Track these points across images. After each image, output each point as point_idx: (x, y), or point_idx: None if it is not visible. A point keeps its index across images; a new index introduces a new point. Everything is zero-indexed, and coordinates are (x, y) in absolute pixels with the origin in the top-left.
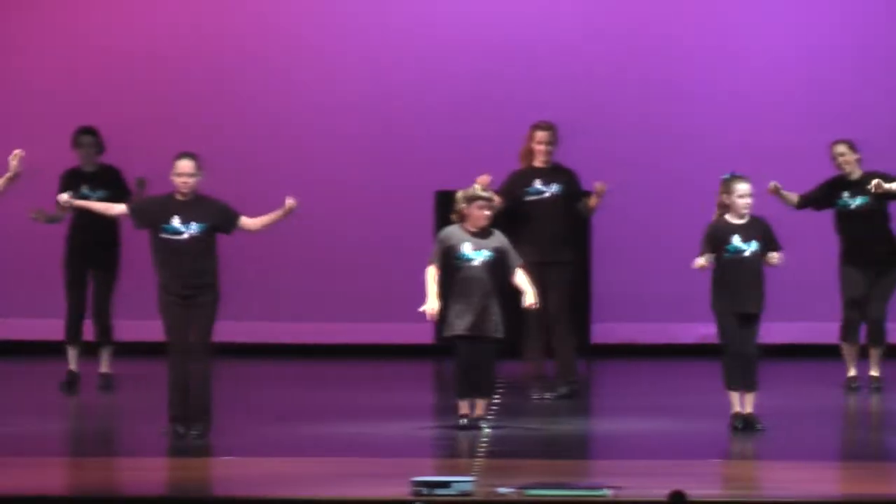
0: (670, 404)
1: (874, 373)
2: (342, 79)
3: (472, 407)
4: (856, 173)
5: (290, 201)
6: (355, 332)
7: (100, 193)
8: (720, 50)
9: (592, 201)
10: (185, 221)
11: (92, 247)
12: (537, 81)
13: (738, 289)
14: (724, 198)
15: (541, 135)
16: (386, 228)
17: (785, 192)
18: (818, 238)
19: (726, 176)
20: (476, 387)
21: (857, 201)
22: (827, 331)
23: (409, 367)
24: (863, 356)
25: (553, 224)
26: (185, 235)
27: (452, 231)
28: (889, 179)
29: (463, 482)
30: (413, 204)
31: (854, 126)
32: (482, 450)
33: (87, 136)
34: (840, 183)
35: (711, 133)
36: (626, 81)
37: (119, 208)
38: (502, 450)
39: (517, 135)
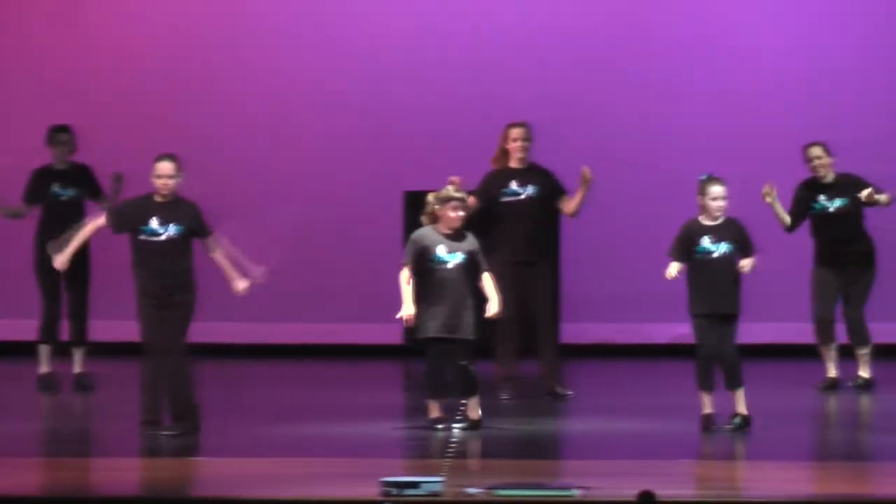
0: (643, 404)
1: (863, 374)
2: (311, 79)
3: (442, 408)
4: (829, 176)
5: (243, 286)
6: (324, 332)
7: (70, 192)
8: (697, 48)
9: (578, 196)
10: (164, 223)
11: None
12: (508, 81)
13: (709, 290)
14: (699, 199)
15: (516, 132)
16: (355, 229)
17: (780, 208)
18: (793, 238)
19: (703, 177)
20: (463, 388)
21: (835, 204)
22: (806, 331)
23: (379, 367)
24: (847, 356)
25: (528, 225)
26: (163, 237)
27: (426, 233)
28: (862, 184)
29: (432, 482)
30: (382, 204)
31: (842, 126)
32: (452, 450)
33: (63, 133)
34: (813, 186)
35: (684, 132)
36: (596, 79)
37: (98, 222)
38: (472, 450)
39: (487, 135)
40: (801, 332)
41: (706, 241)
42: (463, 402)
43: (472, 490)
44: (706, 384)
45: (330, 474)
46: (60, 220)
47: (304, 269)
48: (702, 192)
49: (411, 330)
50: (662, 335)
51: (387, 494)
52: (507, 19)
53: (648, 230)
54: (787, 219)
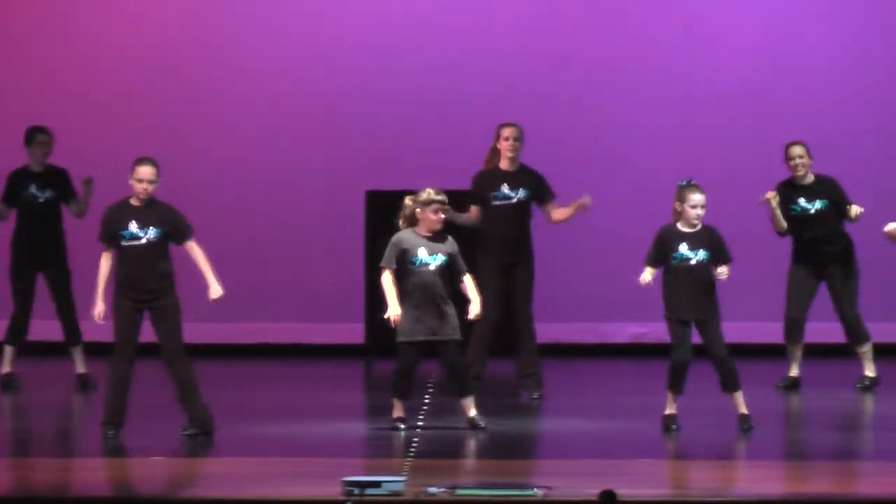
0: (603, 404)
1: (869, 372)
2: (273, 79)
3: (405, 408)
4: (809, 177)
5: (217, 294)
6: (286, 332)
7: (48, 194)
8: (668, 49)
9: (568, 212)
10: (143, 226)
11: (39, 248)
12: (471, 82)
13: (684, 296)
14: (677, 205)
15: (508, 131)
16: (318, 228)
17: (779, 214)
18: (765, 239)
19: (682, 182)
20: (459, 388)
21: (816, 205)
22: (771, 330)
23: (341, 367)
24: (816, 356)
25: (518, 228)
26: (143, 240)
27: (406, 236)
28: (839, 189)
29: (393, 482)
30: (344, 204)
31: (820, 128)
32: (413, 450)
33: (42, 134)
34: (792, 187)
35: (643, 134)
36: (565, 80)
37: (106, 262)
38: (434, 450)
39: (450, 136)
40: (760, 331)
41: (684, 248)
42: (466, 399)
43: (433, 489)
44: (675, 387)
45: (291, 474)
46: (36, 222)
47: (266, 268)
48: (680, 197)
49: (376, 329)
50: (621, 335)
51: (349, 494)
52: (467, 20)
53: (605, 231)
54: (784, 224)
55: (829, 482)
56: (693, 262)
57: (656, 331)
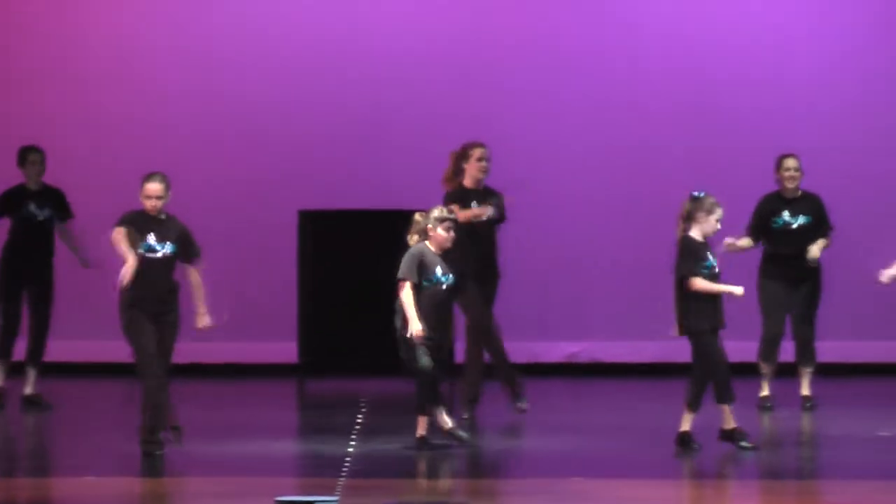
0: (536, 423)
1: (806, 392)
2: (205, 96)
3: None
4: (797, 192)
5: (205, 322)
6: (219, 351)
7: (46, 212)
8: (619, 60)
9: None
10: (161, 240)
11: (28, 265)
12: (403, 103)
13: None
14: (701, 215)
15: (479, 152)
16: (250, 247)
17: (738, 244)
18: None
19: (701, 194)
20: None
21: (799, 220)
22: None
23: (273, 386)
24: (786, 374)
25: (486, 247)
26: (160, 254)
27: (425, 250)
28: (822, 209)
29: (326, 501)
30: (277, 223)
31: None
32: (347, 469)
33: (36, 153)
34: (778, 200)
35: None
36: (507, 98)
37: (120, 230)
38: (367, 469)
39: (381, 156)
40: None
41: (710, 256)
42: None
43: None
44: (691, 404)
45: (225, 493)
46: (31, 241)
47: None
48: (708, 209)
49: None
50: (554, 354)
51: None
52: (396, 41)
53: (537, 251)
54: (749, 242)
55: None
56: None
57: (589, 350)
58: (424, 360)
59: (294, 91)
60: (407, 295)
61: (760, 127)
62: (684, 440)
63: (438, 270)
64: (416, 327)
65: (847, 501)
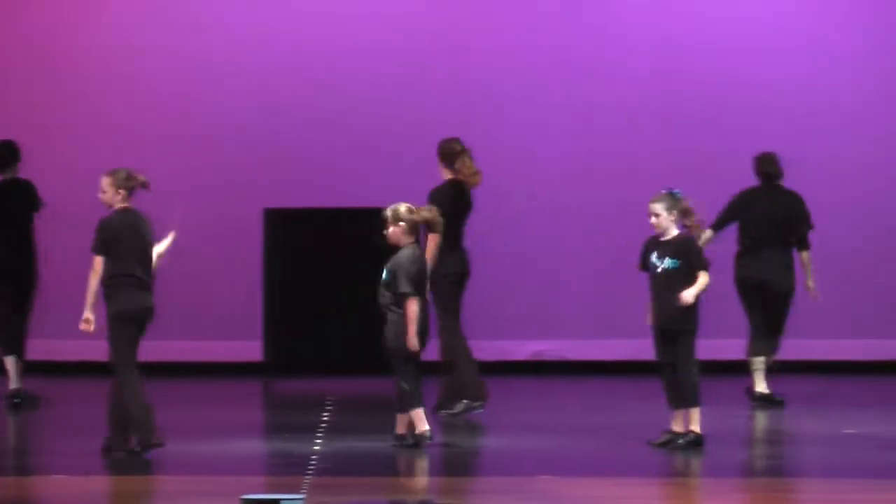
0: (503, 422)
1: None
2: (170, 94)
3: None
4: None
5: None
6: (184, 350)
7: (14, 206)
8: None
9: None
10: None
11: (10, 263)
12: (370, 101)
13: (654, 304)
14: (673, 214)
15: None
16: (216, 246)
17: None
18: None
19: (674, 191)
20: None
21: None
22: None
23: (239, 385)
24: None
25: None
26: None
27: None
28: (804, 217)
29: (292, 499)
30: (242, 221)
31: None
32: (313, 467)
33: (5, 148)
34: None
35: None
36: (475, 99)
37: (97, 269)
38: (333, 467)
39: (348, 154)
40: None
41: (654, 256)
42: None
43: None
44: (668, 401)
45: (190, 492)
46: (9, 238)
47: (163, 286)
48: (677, 208)
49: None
50: (521, 352)
51: None
52: (361, 40)
53: (509, 247)
54: (708, 233)
55: (727, 500)
56: (659, 269)
57: (556, 348)
58: (410, 373)
59: (260, 89)
60: (415, 310)
61: (734, 128)
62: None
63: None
64: (414, 344)
65: (817, 499)
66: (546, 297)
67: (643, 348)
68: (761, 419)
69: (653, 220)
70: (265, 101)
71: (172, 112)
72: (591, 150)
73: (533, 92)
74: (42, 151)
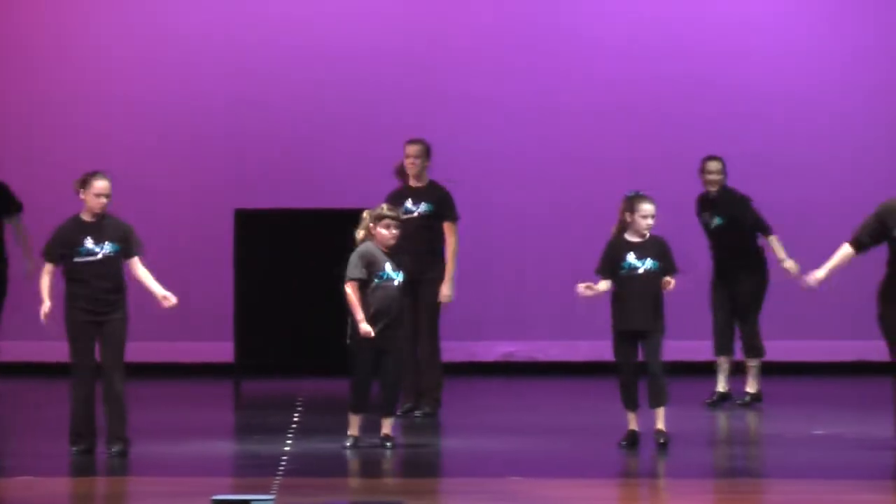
0: (472, 422)
1: (752, 388)
2: (141, 93)
3: (361, 426)
4: (718, 193)
5: (169, 302)
6: (154, 350)
7: None
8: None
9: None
10: (98, 241)
11: None
12: (340, 101)
13: (630, 306)
14: (627, 215)
15: (410, 149)
16: (186, 246)
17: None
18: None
19: (630, 193)
20: (386, 405)
21: (715, 221)
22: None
23: (210, 385)
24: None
25: (418, 243)
26: (100, 255)
27: (372, 248)
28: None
29: (262, 500)
30: (213, 222)
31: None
32: (283, 468)
33: None
34: (703, 201)
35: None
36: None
37: (49, 269)
38: (303, 468)
39: (319, 154)
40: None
41: (631, 258)
42: (385, 419)
43: None
44: (630, 403)
45: (160, 493)
46: None
47: (133, 286)
48: (630, 208)
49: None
50: (490, 353)
51: None
52: (335, 38)
53: (474, 250)
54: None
55: (696, 501)
56: (640, 270)
57: (525, 349)
58: (362, 361)
59: (231, 89)
60: (351, 293)
61: (700, 129)
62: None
63: (388, 267)
64: (364, 328)
65: (787, 500)
66: (516, 298)
67: (610, 349)
68: (729, 420)
69: (650, 221)
70: (236, 101)
71: (142, 114)
72: (562, 154)
73: (509, 93)
74: (14, 151)
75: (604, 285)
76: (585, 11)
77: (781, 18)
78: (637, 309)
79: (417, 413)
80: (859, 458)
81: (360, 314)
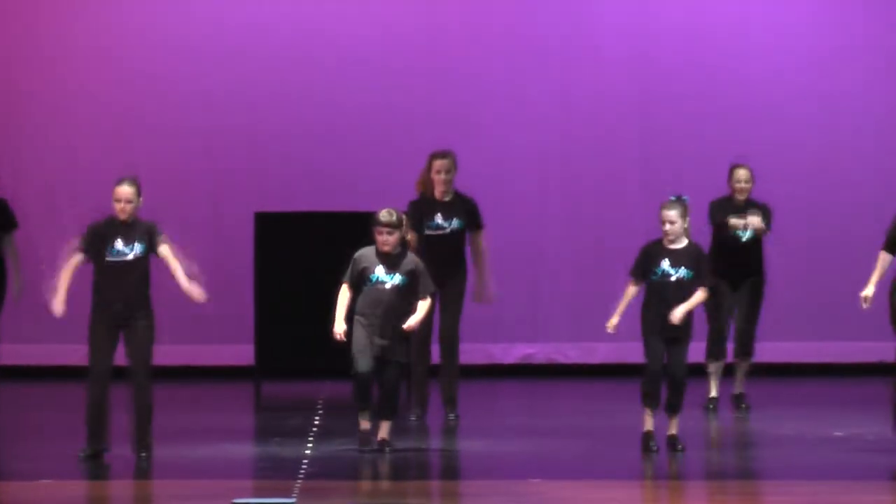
0: (492, 424)
1: (742, 390)
2: (162, 95)
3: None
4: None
5: (199, 297)
6: (175, 353)
7: None
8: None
9: (480, 275)
10: (128, 243)
11: None
12: (361, 105)
13: (661, 313)
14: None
15: (439, 163)
16: (206, 249)
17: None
18: None
19: (671, 199)
20: (380, 409)
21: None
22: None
23: (230, 389)
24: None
25: (450, 256)
26: (130, 257)
27: (366, 253)
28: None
29: (283, 503)
30: (234, 225)
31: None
32: (304, 471)
33: None
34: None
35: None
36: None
37: (75, 259)
38: (324, 471)
39: (339, 158)
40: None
41: (665, 264)
42: (383, 422)
43: None
44: (651, 402)
45: (182, 496)
46: None
47: (154, 289)
48: (659, 215)
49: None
50: (510, 356)
51: None
52: (351, 41)
53: (498, 251)
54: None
55: (713, 503)
56: (673, 278)
57: (544, 351)
58: (359, 362)
59: (252, 92)
60: (341, 296)
61: (721, 130)
62: (645, 440)
63: (379, 271)
64: (337, 328)
65: (793, 502)
66: (535, 300)
67: (629, 351)
68: (736, 422)
69: (667, 227)
70: (256, 104)
71: (163, 115)
72: (581, 155)
73: (529, 94)
74: (28, 152)
75: (632, 291)
76: (601, 12)
77: (806, 21)
78: (667, 316)
79: (451, 416)
80: (859, 459)
81: (338, 314)
